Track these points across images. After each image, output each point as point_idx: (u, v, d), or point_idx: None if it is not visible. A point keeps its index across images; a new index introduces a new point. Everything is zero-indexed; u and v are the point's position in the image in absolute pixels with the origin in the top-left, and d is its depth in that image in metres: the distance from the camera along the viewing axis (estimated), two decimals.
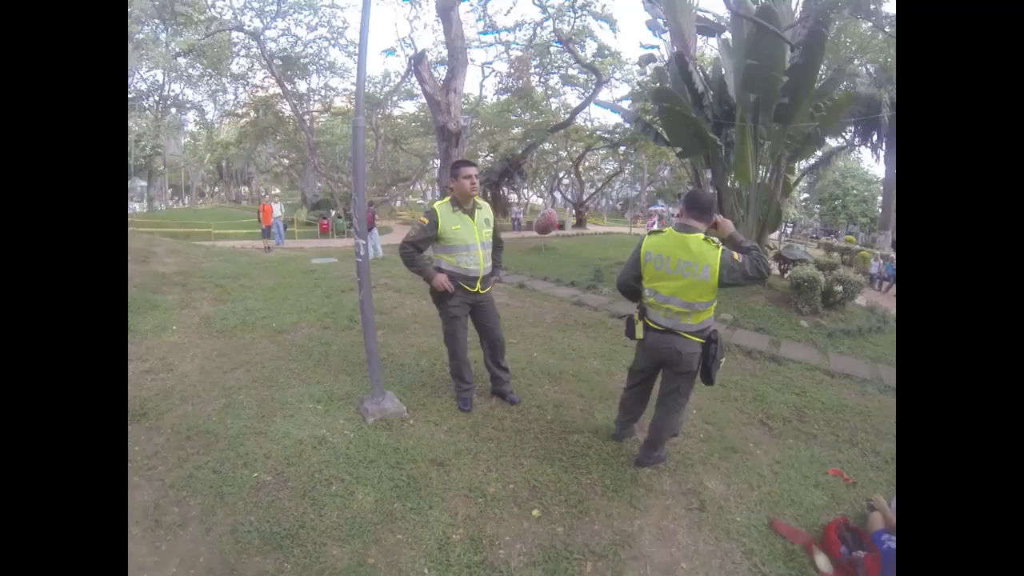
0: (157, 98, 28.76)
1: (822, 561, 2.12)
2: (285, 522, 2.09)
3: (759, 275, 2.26)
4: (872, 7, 8.38)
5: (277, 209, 13.90)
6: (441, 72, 11.61)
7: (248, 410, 3.01)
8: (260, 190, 40.32)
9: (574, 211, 28.01)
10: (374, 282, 6.27)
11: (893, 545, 2.09)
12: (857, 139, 24.02)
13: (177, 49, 18.90)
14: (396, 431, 2.90)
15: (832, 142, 12.95)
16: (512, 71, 17.53)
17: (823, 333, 6.30)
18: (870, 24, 11.80)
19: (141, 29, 17.45)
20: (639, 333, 2.58)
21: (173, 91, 28.77)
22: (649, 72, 14.14)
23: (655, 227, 2.82)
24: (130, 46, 16.71)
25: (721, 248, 2.25)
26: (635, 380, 2.81)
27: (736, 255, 2.26)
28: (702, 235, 2.30)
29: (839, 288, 7.11)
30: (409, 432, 2.91)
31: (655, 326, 2.49)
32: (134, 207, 32.09)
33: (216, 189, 51.98)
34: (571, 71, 17.93)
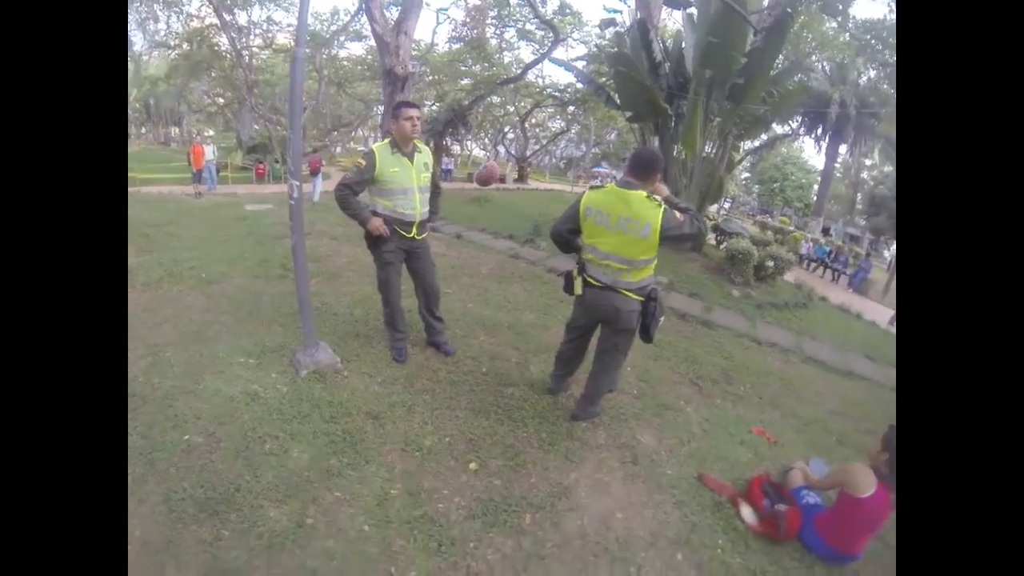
0: None
1: (747, 512, 2.28)
2: (220, 486, 1.98)
3: (698, 232, 2.29)
4: (840, 7, 8.64)
5: (209, 152, 12.80)
6: (393, 13, 10.87)
7: (176, 368, 2.81)
8: (192, 131, 36.94)
9: (517, 166, 27.75)
10: (310, 228, 5.95)
11: (811, 500, 2.27)
12: (803, 130, 25.30)
13: None
14: (330, 383, 2.80)
15: (779, 128, 13.48)
16: (468, 20, 16.74)
17: (752, 303, 6.69)
18: (835, 24, 12.14)
19: None
20: (578, 289, 2.54)
21: None
22: (609, 36, 13.95)
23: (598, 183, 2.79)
24: None
25: (662, 207, 2.23)
26: (572, 335, 2.81)
27: (677, 213, 2.27)
28: (644, 193, 2.26)
29: (771, 263, 7.53)
30: (343, 384, 2.82)
31: (594, 282, 2.46)
32: None
33: (143, 130, 47.20)
34: (529, 26, 17.38)
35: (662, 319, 2.52)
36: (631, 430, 2.85)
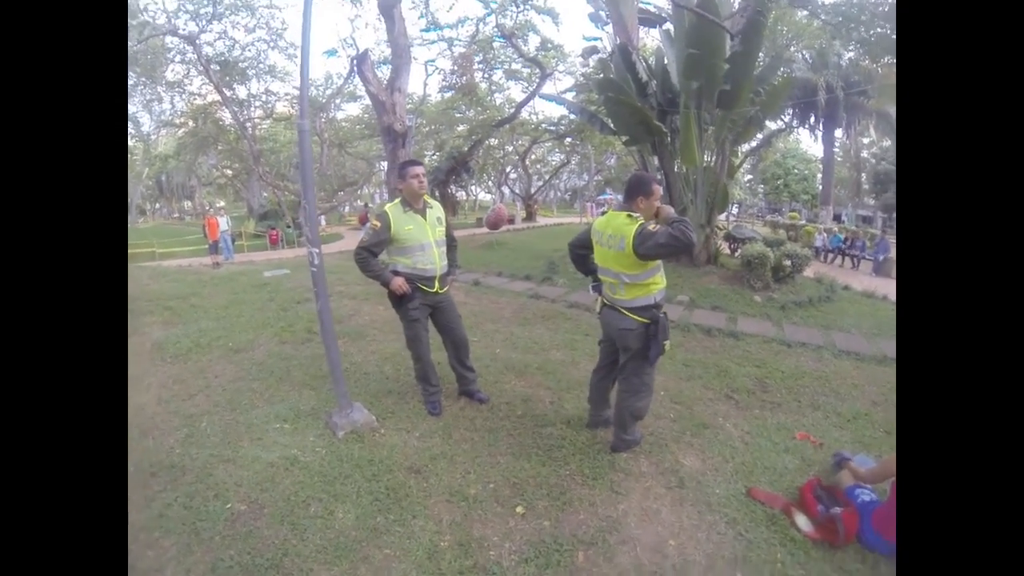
0: None
1: (802, 521, 2.21)
2: (267, 552, 1.99)
3: (676, 242, 2.27)
4: None
5: (223, 222, 13.25)
6: (385, 72, 11.34)
7: (213, 437, 2.86)
8: (204, 204, 38.36)
9: (524, 205, 28.10)
10: (330, 290, 6.09)
11: (866, 497, 2.20)
12: (795, 121, 25.34)
13: None
14: (368, 442, 2.82)
15: (772, 124, 13.54)
16: (456, 68, 17.34)
17: (776, 306, 6.59)
18: (806, 12, 12.35)
19: None
20: (596, 306, 2.80)
21: None
22: (593, 64, 14.32)
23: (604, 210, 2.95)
24: None
25: (638, 222, 2.37)
26: (601, 359, 2.94)
27: (651, 226, 2.35)
28: (626, 212, 2.46)
29: (788, 262, 7.45)
30: (382, 442, 2.84)
31: (605, 301, 2.70)
32: None
33: (157, 205, 49.22)
34: (515, 65, 17.90)
35: (667, 344, 2.56)
36: (673, 454, 2.81)
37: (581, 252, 2.84)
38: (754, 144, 12.24)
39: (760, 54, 7.86)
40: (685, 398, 3.60)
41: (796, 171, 33.71)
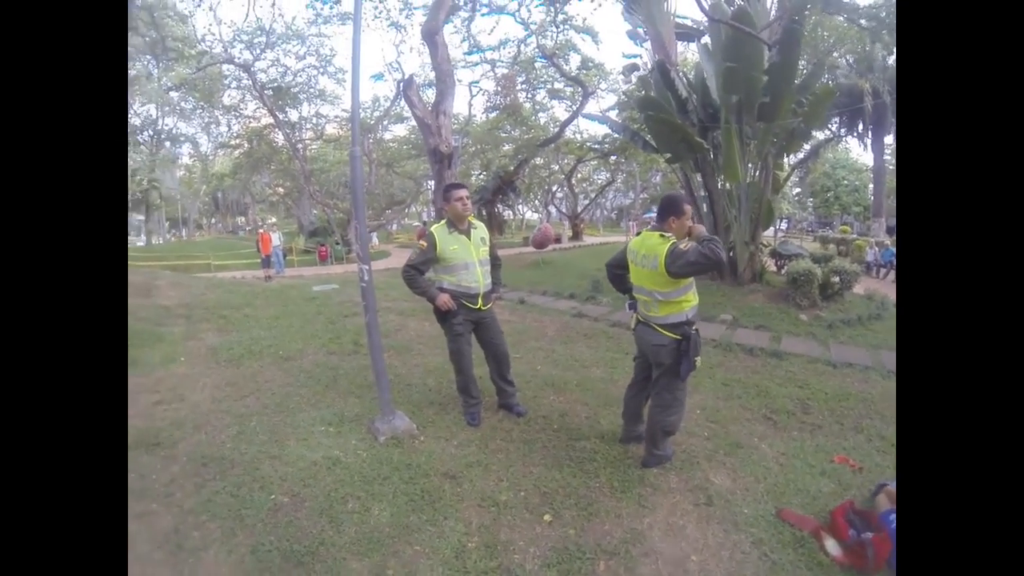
0: (152, 132, 29.15)
1: (831, 545, 2.17)
2: (305, 540, 2.14)
3: (706, 260, 2.35)
4: (844, 0, 8.56)
5: (276, 238, 14.06)
6: (430, 95, 11.79)
7: (261, 436, 3.08)
8: (256, 220, 40.63)
9: (570, 224, 28.11)
10: (377, 306, 6.35)
11: None
12: (843, 130, 24.15)
13: (169, 84, 19.18)
14: (408, 448, 2.96)
15: (819, 134, 13.06)
16: (499, 89, 17.80)
17: (823, 325, 6.36)
18: (845, 16, 12.00)
19: (134, 65, 17.74)
20: (632, 323, 2.89)
21: (167, 125, 29.25)
22: (634, 81, 14.36)
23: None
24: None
25: (670, 241, 2.47)
26: (635, 372, 3.03)
27: (683, 245, 2.44)
28: (659, 233, 2.57)
29: (836, 279, 7.19)
30: (420, 448, 2.97)
31: (639, 318, 2.80)
32: (133, 241, 32.43)
33: (213, 220, 52.36)
34: (557, 85, 18.19)
35: (698, 360, 2.61)
36: (703, 472, 2.81)
37: (618, 272, 2.94)
38: (800, 156, 11.86)
39: (801, 62, 7.69)
40: (721, 417, 3.57)
41: (846, 182, 32.11)
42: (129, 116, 25.34)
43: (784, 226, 33.37)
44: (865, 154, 29.99)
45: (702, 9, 5.95)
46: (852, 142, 27.57)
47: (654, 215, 2.89)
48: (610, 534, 2.26)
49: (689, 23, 10.19)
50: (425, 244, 3.08)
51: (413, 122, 16.43)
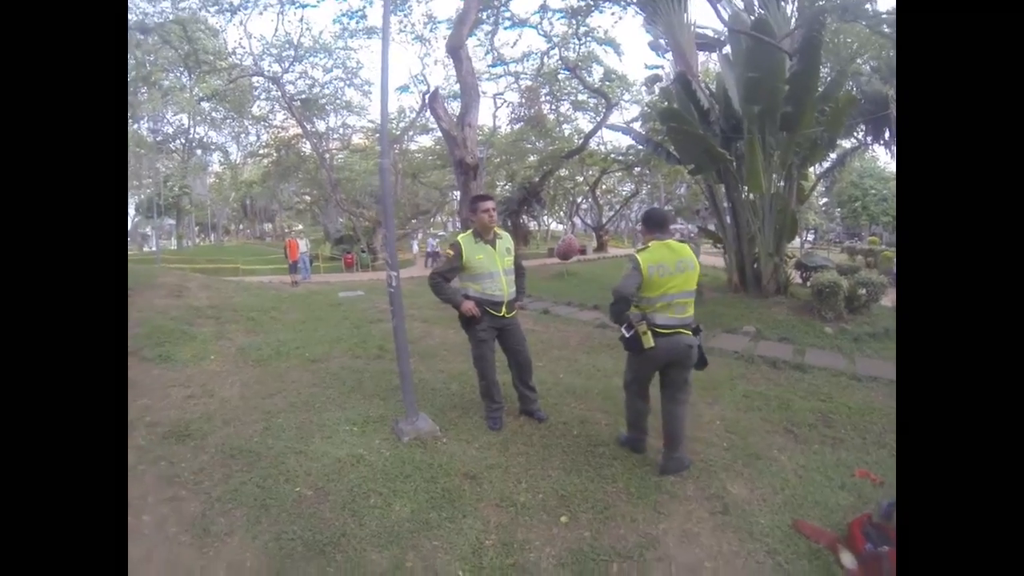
0: (183, 141, 30.33)
1: (847, 558, 2.15)
2: (327, 531, 2.24)
3: None
4: (866, 7, 8.41)
5: (303, 245, 14.43)
6: (455, 107, 12.02)
7: (288, 432, 3.21)
8: (284, 227, 41.68)
9: (595, 235, 28.04)
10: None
11: None
12: (869, 138, 23.61)
13: (201, 94, 20.02)
14: (430, 449, 3.05)
15: (845, 143, 12.81)
16: (523, 101, 18.02)
17: (848, 338, 6.23)
18: (866, 23, 11.77)
19: (167, 76, 18.53)
20: (649, 342, 2.70)
21: (198, 134, 30.41)
22: (656, 92, 14.37)
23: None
24: (157, 93, 17.89)
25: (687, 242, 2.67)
26: (639, 388, 3.02)
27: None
28: (673, 240, 2.83)
29: (862, 291, 7.04)
30: (442, 449, 3.06)
31: (664, 331, 2.73)
32: (164, 244, 33.63)
33: (241, 226, 53.75)
34: (581, 97, 18.33)
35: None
36: (721, 481, 2.81)
37: (632, 302, 2.79)
38: (826, 165, 11.66)
39: (822, 70, 7.59)
40: (741, 428, 3.56)
41: (874, 191, 31.14)
42: (162, 125, 26.43)
43: (811, 237, 32.64)
44: (892, 162, 29.23)
45: (721, 20, 5.96)
46: (879, 150, 26.89)
47: (681, 225, 3.06)
48: (625, 538, 2.29)
49: (710, 33, 10.16)
50: (452, 253, 3.20)
51: (438, 133, 16.76)
